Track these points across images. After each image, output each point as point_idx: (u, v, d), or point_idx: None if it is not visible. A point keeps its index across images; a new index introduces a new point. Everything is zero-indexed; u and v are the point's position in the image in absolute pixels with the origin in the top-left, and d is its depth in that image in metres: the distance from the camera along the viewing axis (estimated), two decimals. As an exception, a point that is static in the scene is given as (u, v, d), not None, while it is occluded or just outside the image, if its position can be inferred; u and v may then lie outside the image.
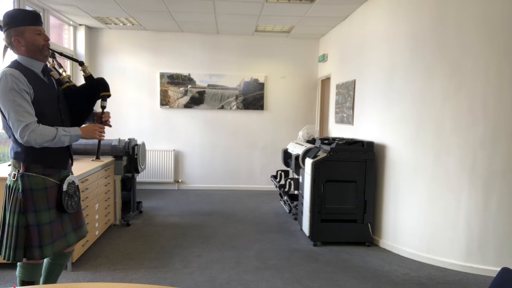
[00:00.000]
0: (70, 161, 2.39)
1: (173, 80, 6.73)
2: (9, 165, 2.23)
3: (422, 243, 3.80)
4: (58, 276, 2.45)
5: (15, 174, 2.13)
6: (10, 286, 3.04)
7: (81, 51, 6.31)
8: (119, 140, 4.69)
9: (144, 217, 5.10)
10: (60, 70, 2.42)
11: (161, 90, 6.72)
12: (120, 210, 4.72)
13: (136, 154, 4.81)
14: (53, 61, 2.44)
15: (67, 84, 2.35)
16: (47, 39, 2.17)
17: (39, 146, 2.07)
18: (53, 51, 2.27)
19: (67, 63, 5.96)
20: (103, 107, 2.39)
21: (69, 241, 2.28)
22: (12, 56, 2.19)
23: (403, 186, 3.97)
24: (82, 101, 2.37)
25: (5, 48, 2.17)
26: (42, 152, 2.12)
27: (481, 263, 3.50)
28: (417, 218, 3.84)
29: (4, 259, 2.12)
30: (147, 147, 6.69)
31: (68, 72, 2.48)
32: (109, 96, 2.38)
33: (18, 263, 2.23)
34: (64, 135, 2.13)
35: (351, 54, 5.26)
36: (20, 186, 2.10)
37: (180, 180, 6.95)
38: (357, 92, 4.95)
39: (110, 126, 2.45)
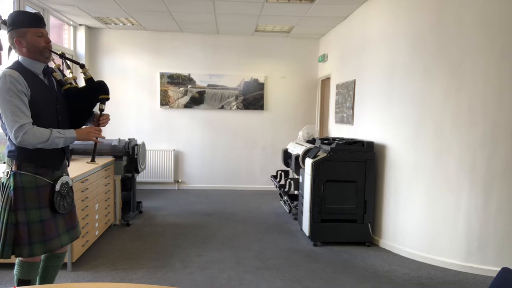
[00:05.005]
0: (66, 162, 2.40)
1: (173, 80, 6.73)
2: (4, 162, 2.25)
3: (422, 243, 3.80)
4: (54, 278, 2.46)
5: (8, 172, 2.16)
6: (10, 286, 3.05)
7: (81, 51, 6.31)
8: (119, 140, 4.70)
9: (144, 217, 5.10)
10: (67, 72, 2.43)
11: (161, 90, 6.72)
12: (120, 210, 4.72)
13: (136, 154, 4.81)
14: (62, 62, 2.46)
15: (69, 85, 2.36)
16: (48, 41, 2.20)
17: (33, 147, 2.09)
18: (54, 52, 2.28)
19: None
20: (101, 110, 2.41)
21: (62, 241, 2.29)
22: (16, 56, 2.21)
23: (403, 186, 3.97)
24: (81, 103, 2.39)
25: (10, 48, 2.20)
26: (35, 151, 2.14)
27: (481, 263, 3.50)
28: (417, 218, 3.84)
29: None
30: (147, 147, 6.68)
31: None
32: (108, 99, 2.40)
33: (16, 262, 2.26)
34: (58, 137, 2.14)
35: (351, 54, 5.26)
36: (11, 184, 2.13)
37: (180, 180, 6.95)
38: (357, 92, 4.95)
39: (103, 126, 2.45)
